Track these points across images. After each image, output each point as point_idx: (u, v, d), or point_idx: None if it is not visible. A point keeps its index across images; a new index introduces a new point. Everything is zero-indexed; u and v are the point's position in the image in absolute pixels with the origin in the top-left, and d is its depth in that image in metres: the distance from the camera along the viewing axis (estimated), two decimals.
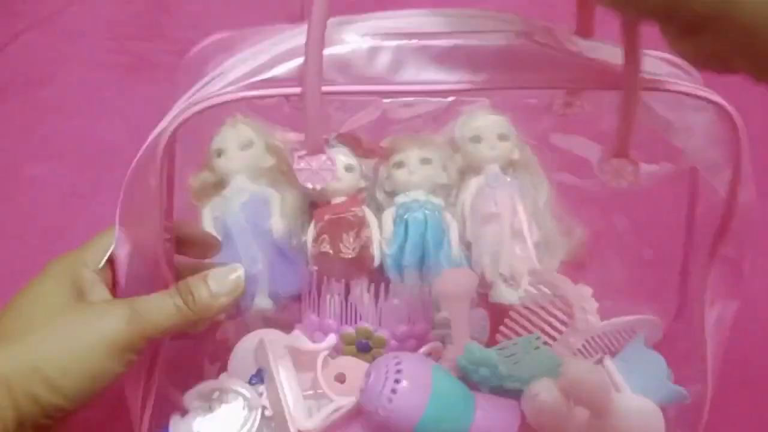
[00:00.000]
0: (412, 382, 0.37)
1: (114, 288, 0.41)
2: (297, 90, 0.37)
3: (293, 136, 0.52)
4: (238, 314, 0.49)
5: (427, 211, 0.50)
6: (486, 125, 0.51)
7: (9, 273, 0.61)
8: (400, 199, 0.51)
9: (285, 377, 0.42)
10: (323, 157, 0.39)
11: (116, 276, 0.41)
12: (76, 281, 0.39)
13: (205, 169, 0.51)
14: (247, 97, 0.37)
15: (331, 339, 0.46)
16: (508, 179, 0.50)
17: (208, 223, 0.49)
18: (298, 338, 0.45)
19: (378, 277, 0.49)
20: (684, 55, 0.31)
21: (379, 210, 0.52)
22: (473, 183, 0.50)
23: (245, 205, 0.49)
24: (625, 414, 0.41)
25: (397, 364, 0.38)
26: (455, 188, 0.52)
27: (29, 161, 0.67)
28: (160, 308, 0.38)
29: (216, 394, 0.42)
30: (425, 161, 0.51)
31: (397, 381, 0.37)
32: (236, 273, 0.41)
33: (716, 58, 0.29)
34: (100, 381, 0.37)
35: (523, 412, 0.40)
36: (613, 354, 0.47)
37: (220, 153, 0.49)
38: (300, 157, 0.39)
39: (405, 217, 0.50)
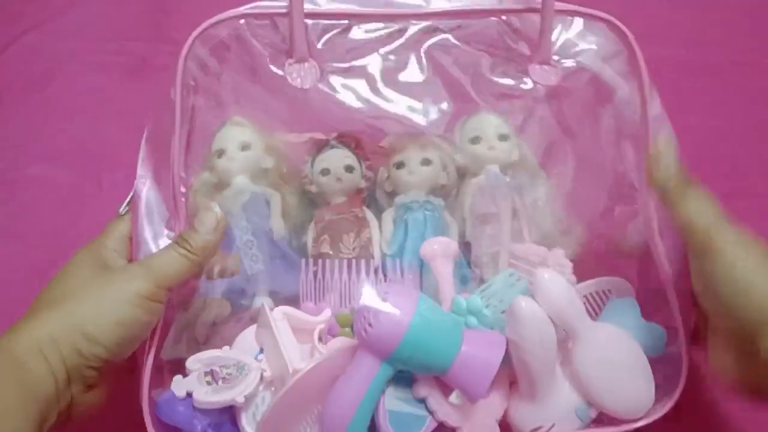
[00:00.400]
0: (397, 303, 0.40)
1: (131, 245, 0.47)
2: (284, 9, 0.47)
3: (293, 138, 0.52)
4: (240, 312, 0.49)
5: (427, 212, 0.50)
6: (486, 126, 0.51)
7: (10, 272, 0.61)
8: (400, 199, 0.51)
9: (282, 326, 0.45)
10: (307, 64, 0.48)
11: (134, 216, 0.47)
12: (99, 259, 0.46)
13: (206, 169, 0.51)
14: (246, 14, 0.47)
15: (326, 313, 0.46)
16: (508, 179, 0.50)
17: None
18: (296, 311, 0.47)
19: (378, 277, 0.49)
20: (731, 375, 0.43)
21: (379, 210, 0.52)
22: (473, 183, 0.51)
23: (246, 206, 0.49)
24: (601, 340, 0.44)
25: (386, 291, 0.41)
26: (455, 188, 0.52)
27: (30, 161, 0.67)
28: (169, 260, 0.44)
29: (217, 361, 0.44)
30: (425, 162, 0.51)
31: (383, 300, 0.40)
32: (213, 211, 0.46)
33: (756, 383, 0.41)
34: (130, 328, 0.42)
35: (508, 339, 0.42)
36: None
37: (220, 154, 0.50)
38: (290, 65, 0.48)
39: (405, 217, 0.50)
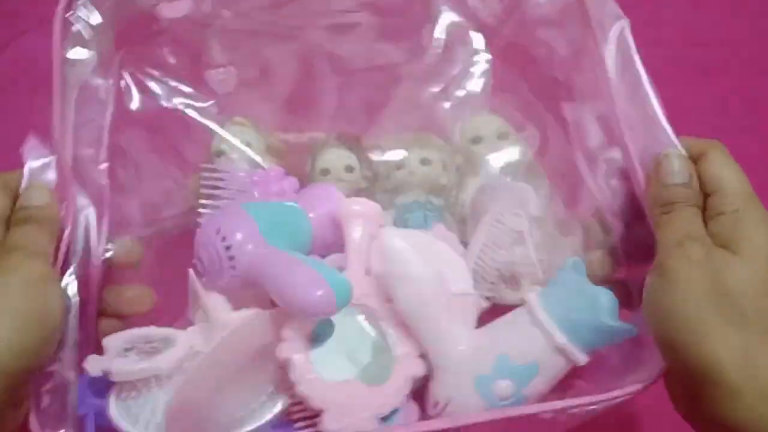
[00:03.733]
0: (244, 251, 0.39)
1: None
2: None
3: (293, 137, 0.52)
4: None
5: (427, 212, 0.50)
6: (486, 125, 0.51)
7: None
8: (400, 199, 0.51)
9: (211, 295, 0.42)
10: None
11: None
12: None
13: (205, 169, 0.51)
14: None
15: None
16: (508, 179, 0.50)
17: None
18: None
19: None
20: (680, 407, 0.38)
21: None
22: (473, 183, 0.51)
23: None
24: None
25: (225, 243, 0.39)
26: (455, 188, 0.52)
27: None
28: (32, 232, 0.39)
29: (141, 338, 0.40)
30: (425, 162, 0.51)
31: (230, 258, 0.39)
32: (40, 186, 0.42)
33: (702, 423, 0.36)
34: (44, 323, 0.36)
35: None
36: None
37: (219, 154, 0.50)
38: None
39: (405, 217, 0.50)
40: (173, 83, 0.49)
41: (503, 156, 0.50)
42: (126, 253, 0.46)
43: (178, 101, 0.49)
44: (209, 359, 0.37)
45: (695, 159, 0.40)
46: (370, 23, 0.49)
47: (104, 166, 0.46)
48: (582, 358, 0.39)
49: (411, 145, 0.51)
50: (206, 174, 0.47)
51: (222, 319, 0.39)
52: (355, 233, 0.43)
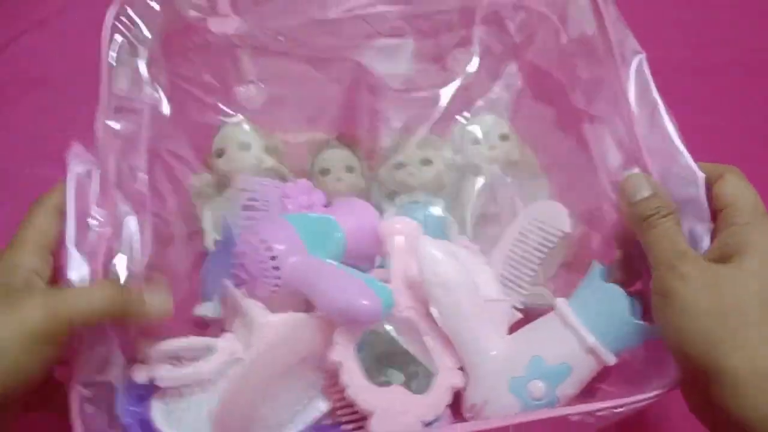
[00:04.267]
0: (288, 261, 0.40)
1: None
2: None
3: (293, 137, 0.52)
4: None
5: (427, 212, 0.50)
6: (486, 126, 0.51)
7: None
8: (400, 200, 0.51)
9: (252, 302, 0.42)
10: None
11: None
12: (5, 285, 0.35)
13: (206, 169, 0.51)
14: None
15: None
16: (508, 179, 0.50)
17: (209, 223, 0.50)
18: None
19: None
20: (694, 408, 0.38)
21: (379, 211, 0.52)
22: (474, 183, 0.51)
23: (246, 207, 0.49)
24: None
25: (270, 253, 0.40)
26: (455, 189, 0.52)
27: (30, 162, 0.67)
28: (87, 294, 0.36)
29: (182, 349, 0.40)
30: (426, 162, 0.51)
31: (275, 268, 0.40)
32: (166, 305, 0.40)
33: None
34: (13, 380, 0.33)
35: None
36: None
37: (220, 154, 0.50)
38: None
39: None
40: (205, 97, 0.50)
41: (504, 156, 0.50)
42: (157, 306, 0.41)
43: (208, 115, 0.50)
44: (255, 364, 0.38)
45: (712, 181, 0.41)
46: (401, 46, 0.51)
47: (143, 175, 0.45)
48: (611, 358, 0.40)
49: (412, 145, 0.51)
50: (242, 187, 0.48)
51: (264, 324, 0.40)
52: (397, 249, 0.44)
